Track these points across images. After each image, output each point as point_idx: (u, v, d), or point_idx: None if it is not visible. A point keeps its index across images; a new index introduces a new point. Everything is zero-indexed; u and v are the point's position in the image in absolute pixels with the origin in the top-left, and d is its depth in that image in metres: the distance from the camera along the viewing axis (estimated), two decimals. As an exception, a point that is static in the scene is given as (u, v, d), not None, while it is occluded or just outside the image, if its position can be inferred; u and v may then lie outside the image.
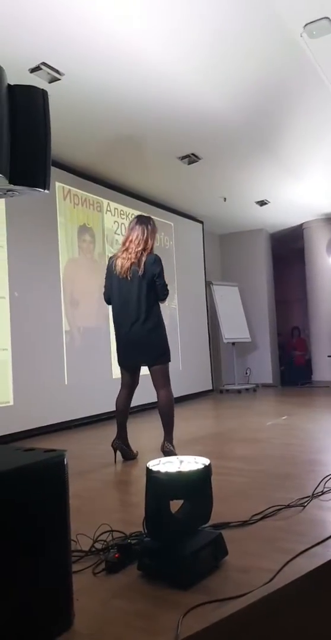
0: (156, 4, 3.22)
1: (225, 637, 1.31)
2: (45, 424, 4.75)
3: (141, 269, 3.33)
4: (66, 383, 5.17)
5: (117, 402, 3.53)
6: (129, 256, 3.38)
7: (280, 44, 3.79)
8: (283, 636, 1.43)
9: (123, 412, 3.48)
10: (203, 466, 1.67)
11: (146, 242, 3.39)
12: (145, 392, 3.77)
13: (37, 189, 1.55)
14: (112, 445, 3.44)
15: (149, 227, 3.44)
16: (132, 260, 3.36)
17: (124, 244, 3.48)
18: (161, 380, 3.38)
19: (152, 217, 6.92)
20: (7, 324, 4.56)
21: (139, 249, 3.37)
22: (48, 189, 1.57)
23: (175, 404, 3.49)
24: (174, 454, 3.25)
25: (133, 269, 3.35)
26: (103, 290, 3.63)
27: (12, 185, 1.50)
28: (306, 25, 3.58)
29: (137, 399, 3.74)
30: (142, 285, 3.33)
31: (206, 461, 1.70)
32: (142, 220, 3.49)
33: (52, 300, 5.14)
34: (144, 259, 3.35)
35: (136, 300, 3.35)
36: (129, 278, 3.36)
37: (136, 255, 3.36)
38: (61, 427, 4.91)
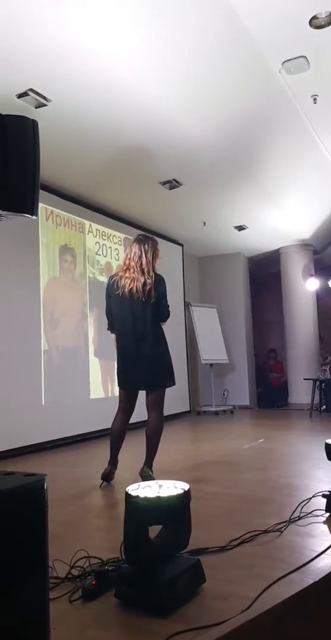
0: (140, 36, 3.33)
1: (203, 666, 1.31)
2: (21, 445, 4.67)
3: (146, 289, 3.27)
4: (43, 403, 5.11)
5: (113, 425, 3.44)
6: (133, 276, 3.30)
7: (260, 79, 3.95)
8: (260, 664, 1.44)
9: (119, 437, 3.40)
10: (182, 491, 1.68)
11: (148, 261, 3.33)
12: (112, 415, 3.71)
13: (25, 214, 1.58)
14: (102, 476, 3.32)
15: (148, 246, 3.37)
16: (137, 279, 3.29)
17: (124, 263, 3.43)
18: (157, 404, 3.37)
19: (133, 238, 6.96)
20: (-16, 342, 4.51)
21: (143, 268, 3.30)
22: (36, 215, 1.60)
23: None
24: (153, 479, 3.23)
25: (138, 288, 3.28)
26: (106, 315, 3.55)
27: (0, 210, 1.52)
28: (284, 62, 3.76)
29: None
30: (147, 305, 3.29)
31: (186, 486, 1.71)
32: (140, 240, 3.43)
33: (32, 319, 5.11)
34: (148, 279, 3.29)
35: (142, 320, 3.30)
36: (135, 298, 3.29)
37: (141, 274, 3.30)
38: (36, 449, 4.83)
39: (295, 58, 3.69)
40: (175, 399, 7.62)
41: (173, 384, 3.45)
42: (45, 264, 5.37)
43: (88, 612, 1.59)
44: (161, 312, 3.37)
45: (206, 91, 4.04)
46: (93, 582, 1.71)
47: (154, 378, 3.36)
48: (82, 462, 4.38)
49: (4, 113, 1.65)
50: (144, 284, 3.29)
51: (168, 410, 7.15)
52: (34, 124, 1.59)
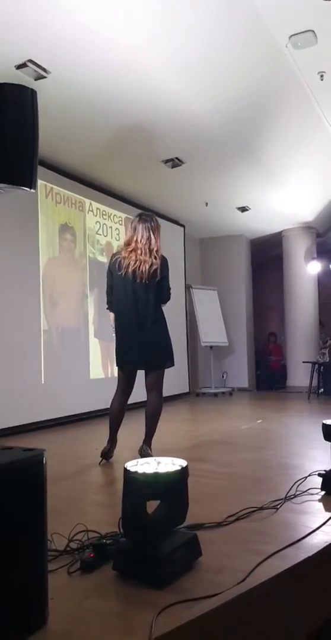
0: (144, 10, 3.25)
1: (198, 635, 1.33)
2: (21, 423, 4.71)
3: (151, 271, 3.26)
4: (43, 382, 5.13)
5: (111, 405, 3.46)
6: (141, 258, 3.26)
7: (265, 54, 3.88)
8: (255, 635, 1.47)
9: (118, 417, 3.42)
10: (179, 467, 1.69)
11: (156, 243, 3.31)
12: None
13: (23, 187, 1.56)
14: (102, 454, 3.35)
15: (154, 224, 3.35)
16: (143, 261, 3.26)
17: (129, 244, 3.36)
18: (156, 384, 3.39)
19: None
20: (-16, 320, 4.51)
21: (151, 249, 3.28)
22: (34, 189, 1.58)
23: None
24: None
25: (143, 270, 3.26)
26: (106, 293, 3.53)
27: (-2, 183, 1.50)
28: (291, 36, 3.67)
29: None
30: (150, 286, 3.29)
31: (183, 463, 1.72)
32: (145, 219, 3.37)
33: (31, 299, 5.10)
34: (154, 260, 3.27)
35: (145, 302, 3.29)
36: (138, 279, 3.27)
37: (148, 256, 3.27)
38: (36, 427, 4.87)
39: (303, 32, 3.61)
40: (174, 380, 7.65)
41: (172, 364, 3.47)
42: (44, 242, 5.34)
43: (86, 583, 1.61)
44: (163, 294, 3.39)
45: (209, 67, 3.97)
46: (91, 555, 1.73)
47: (153, 358, 3.36)
48: (82, 440, 4.42)
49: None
50: (151, 265, 3.27)
51: (167, 391, 7.18)
52: (32, 93, 1.56)
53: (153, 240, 3.30)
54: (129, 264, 3.29)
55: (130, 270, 3.28)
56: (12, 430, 4.55)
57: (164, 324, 3.42)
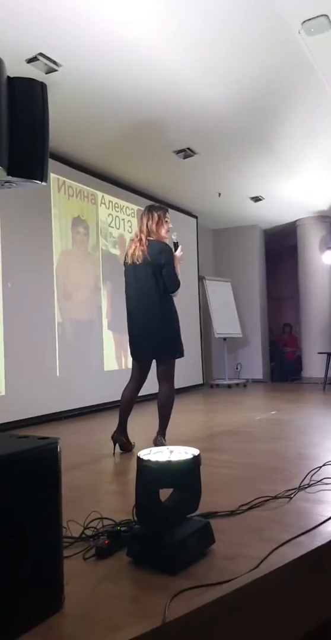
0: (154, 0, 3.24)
1: (210, 620, 1.35)
2: (37, 415, 4.78)
3: (147, 257, 3.29)
4: (58, 374, 5.19)
5: (123, 393, 3.50)
6: (136, 243, 3.37)
7: (277, 41, 3.81)
8: (267, 621, 1.48)
9: (128, 405, 3.46)
10: (192, 456, 1.71)
11: (149, 230, 3.36)
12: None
13: (34, 181, 1.57)
14: (112, 438, 3.43)
15: (152, 214, 3.39)
16: (142, 248, 3.32)
17: (136, 235, 3.46)
18: (166, 375, 3.39)
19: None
20: (0, 314, 4.57)
21: (145, 237, 3.34)
22: (46, 181, 1.59)
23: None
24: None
25: (138, 253, 3.31)
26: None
27: (9, 177, 1.52)
28: (304, 22, 3.60)
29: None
30: (149, 274, 3.29)
31: (196, 451, 1.74)
32: (146, 210, 3.46)
33: (45, 292, 5.15)
34: (148, 247, 3.31)
35: (146, 291, 3.31)
36: (137, 264, 3.33)
37: (141, 240, 3.34)
38: (52, 418, 4.94)
39: (316, 17, 3.53)
40: (188, 371, 7.67)
41: (181, 355, 3.44)
42: (57, 236, 5.37)
43: (101, 569, 1.64)
44: (165, 282, 3.31)
45: (220, 56, 3.93)
46: (106, 542, 1.76)
47: (161, 350, 3.38)
48: (96, 431, 4.46)
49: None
50: (144, 248, 3.33)
51: (180, 382, 7.23)
52: (42, 86, 1.57)
53: (144, 226, 3.37)
54: (133, 251, 3.38)
55: (129, 257, 3.39)
56: (28, 422, 4.62)
57: (170, 313, 3.36)
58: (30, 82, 1.56)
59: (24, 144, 1.52)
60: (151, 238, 3.35)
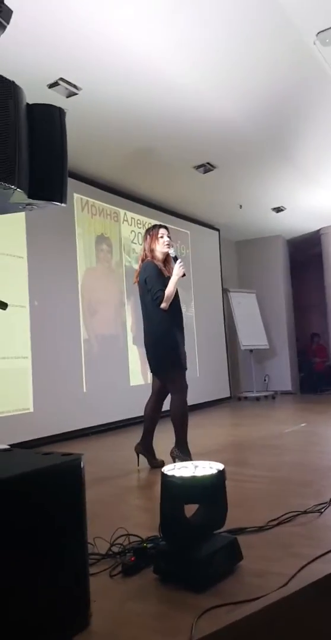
0: (169, 16, 3.29)
1: (238, 638, 1.32)
2: (64, 431, 4.82)
3: (140, 278, 3.44)
4: (85, 390, 5.24)
5: (145, 407, 3.55)
6: (138, 269, 3.54)
7: (293, 52, 3.82)
8: (297, 638, 1.44)
9: (150, 418, 3.49)
10: (217, 471, 1.69)
11: (144, 249, 3.50)
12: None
13: (54, 202, 1.61)
14: (135, 449, 3.48)
15: (146, 236, 3.51)
16: (137, 270, 3.52)
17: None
18: (169, 387, 3.40)
19: (168, 225, 6.98)
20: (27, 332, 4.66)
21: (142, 259, 3.50)
22: (65, 203, 1.63)
23: (191, 411, 3.48)
24: (182, 459, 3.25)
25: (139, 279, 3.47)
26: None
27: (30, 199, 1.56)
28: (319, 33, 3.61)
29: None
30: (144, 293, 3.41)
31: (220, 466, 1.72)
32: (146, 231, 3.60)
33: (71, 309, 5.23)
34: (140, 269, 3.46)
35: (143, 309, 3.46)
36: (139, 287, 3.50)
37: (140, 265, 3.52)
38: (79, 434, 4.98)
39: (330, 28, 3.55)
40: (215, 384, 7.63)
41: (178, 369, 3.34)
42: (82, 254, 5.47)
43: (128, 586, 1.64)
44: (150, 297, 3.35)
45: (237, 69, 3.96)
46: (132, 559, 1.76)
47: (152, 363, 3.44)
48: (123, 446, 4.46)
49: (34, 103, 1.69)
50: (139, 269, 3.48)
51: (207, 396, 7.25)
52: (60, 111, 1.62)
53: (143, 250, 3.52)
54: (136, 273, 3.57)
55: (135, 278, 3.57)
56: (55, 438, 4.67)
57: (159, 328, 3.34)
58: (48, 107, 1.61)
59: (43, 168, 1.57)
60: (149, 259, 3.43)
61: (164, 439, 3.56)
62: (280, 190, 6.67)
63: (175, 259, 3.39)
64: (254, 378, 8.22)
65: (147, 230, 3.57)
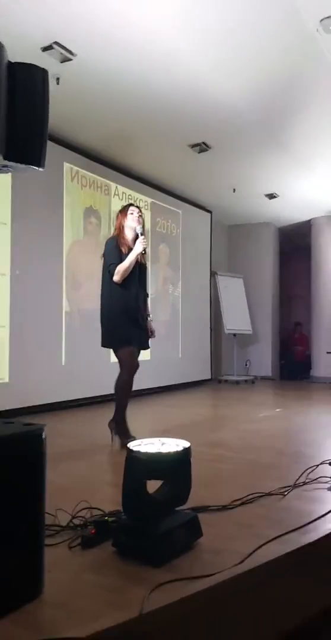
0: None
1: (189, 613, 1.35)
2: (40, 403, 4.81)
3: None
4: (63, 364, 5.21)
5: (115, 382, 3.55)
6: None
7: (295, 38, 3.76)
8: (247, 617, 1.47)
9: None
10: (182, 448, 1.70)
11: (116, 228, 3.48)
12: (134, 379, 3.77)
13: (32, 166, 1.57)
14: (108, 425, 3.47)
15: (120, 213, 3.50)
16: None
17: None
18: (118, 361, 3.40)
19: (160, 203, 6.87)
20: (6, 301, 4.60)
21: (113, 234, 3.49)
22: (43, 167, 1.58)
23: (171, 390, 3.49)
24: (112, 431, 3.34)
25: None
26: None
27: (6, 161, 1.51)
28: (322, 20, 3.56)
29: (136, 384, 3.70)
30: (104, 267, 3.40)
31: (187, 444, 1.73)
32: (118, 211, 3.58)
33: (54, 281, 5.17)
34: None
35: (102, 284, 3.43)
36: None
37: None
38: (56, 407, 4.97)
39: (334, 15, 3.48)
40: (196, 366, 7.66)
41: (113, 346, 3.40)
42: (69, 225, 5.39)
43: (86, 559, 1.65)
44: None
45: (236, 51, 3.88)
46: (92, 531, 1.76)
47: (102, 337, 3.43)
48: (99, 422, 4.47)
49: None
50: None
51: (188, 377, 7.29)
52: (43, 72, 1.56)
53: (116, 227, 3.50)
54: None
55: None
56: (31, 410, 4.65)
57: (104, 302, 3.38)
58: (31, 67, 1.55)
59: (22, 130, 1.52)
60: (113, 236, 3.43)
61: (139, 414, 3.56)
62: (273, 176, 6.63)
63: (140, 235, 3.36)
64: (235, 362, 8.28)
65: (120, 210, 3.57)
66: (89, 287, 5.58)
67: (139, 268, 3.40)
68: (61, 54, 3.84)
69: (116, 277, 3.28)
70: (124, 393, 3.38)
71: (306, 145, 5.66)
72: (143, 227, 3.44)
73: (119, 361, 3.38)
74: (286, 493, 2.25)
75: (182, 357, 7.22)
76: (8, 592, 1.29)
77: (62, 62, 3.94)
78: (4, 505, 1.29)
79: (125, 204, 3.67)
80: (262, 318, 8.83)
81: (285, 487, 2.31)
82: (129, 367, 3.34)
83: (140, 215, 3.45)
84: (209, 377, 8.07)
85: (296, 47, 3.87)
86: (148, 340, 3.49)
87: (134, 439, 3.35)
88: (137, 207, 3.53)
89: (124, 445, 3.22)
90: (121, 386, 3.38)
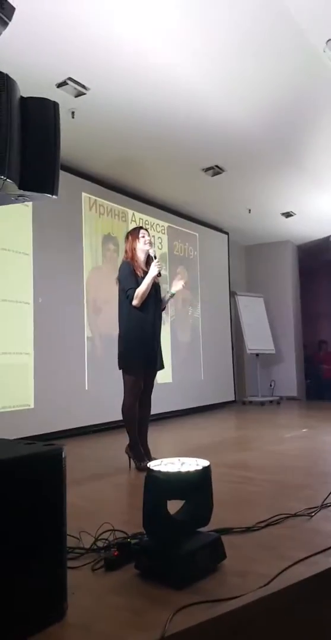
0: (180, 20, 3.30)
1: (214, 636, 1.31)
2: (64, 428, 4.83)
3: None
4: (86, 389, 5.25)
5: None
6: None
7: (303, 58, 3.82)
8: (273, 640, 1.42)
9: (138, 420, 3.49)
10: (202, 468, 1.68)
11: (126, 251, 3.54)
12: (158, 401, 3.78)
13: (45, 194, 1.62)
14: (125, 451, 3.48)
15: (127, 238, 3.56)
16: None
17: None
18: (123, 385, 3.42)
19: (176, 227, 6.94)
20: (30, 329, 4.69)
21: (124, 260, 3.53)
22: (56, 195, 1.64)
23: (195, 413, 3.47)
24: (129, 458, 3.37)
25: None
26: None
27: (22, 190, 1.57)
28: (328, 40, 3.61)
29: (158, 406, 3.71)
30: (120, 291, 3.46)
31: (206, 463, 1.71)
32: (127, 233, 3.65)
33: (75, 307, 5.25)
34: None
35: (118, 306, 3.49)
36: None
37: None
38: (79, 432, 4.99)
39: (339, 35, 3.53)
40: (220, 388, 7.59)
41: (124, 370, 3.41)
42: (88, 252, 5.49)
43: (108, 581, 1.63)
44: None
45: (246, 74, 3.95)
46: (115, 553, 1.75)
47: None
48: (121, 445, 4.47)
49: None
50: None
51: (211, 399, 7.23)
52: (54, 105, 1.63)
53: (125, 252, 3.55)
54: None
55: None
56: (56, 435, 4.68)
57: (120, 326, 3.44)
58: (42, 100, 1.62)
59: (35, 160, 1.58)
60: (128, 259, 3.47)
61: (161, 437, 3.54)
62: (289, 195, 6.64)
63: (153, 258, 3.41)
64: (259, 383, 8.17)
65: (129, 232, 3.63)
66: (108, 312, 5.64)
67: (154, 288, 3.45)
68: (75, 88, 3.99)
69: (135, 302, 3.33)
70: (129, 419, 3.40)
71: (320, 162, 5.67)
72: (150, 244, 3.53)
73: (124, 384, 3.42)
74: (313, 514, 2.19)
75: (204, 379, 7.18)
76: (31, 613, 1.29)
77: (76, 96, 4.08)
78: (26, 526, 1.30)
79: (132, 228, 3.75)
80: (285, 337, 8.74)
81: (312, 507, 2.25)
82: (133, 392, 3.38)
83: (149, 239, 3.53)
84: (233, 398, 7.98)
85: (304, 68, 3.93)
86: (162, 361, 3.53)
87: (147, 462, 3.35)
88: (146, 229, 3.59)
89: (138, 469, 3.21)
90: (125, 411, 3.41)
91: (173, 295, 3.59)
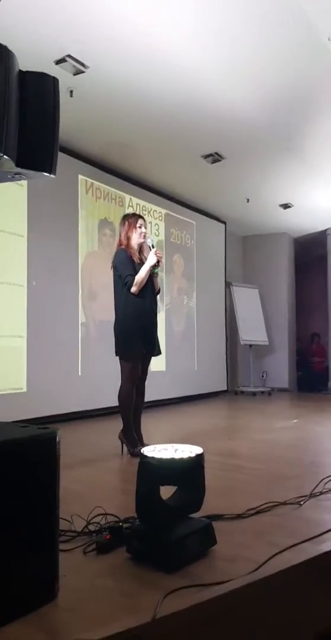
0: (182, 3, 3.25)
1: (203, 619, 1.32)
2: (57, 413, 4.83)
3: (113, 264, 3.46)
4: (80, 374, 5.24)
5: None
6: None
7: (307, 47, 3.78)
8: (261, 625, 1.44)
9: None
10: (195, 455, 1.68)
11: (121, 237, 3.50)
12: (151, 389, 3.78)
13: (43, 172, 1.59)
14: (118, 437, 3.48)
15: (124, 223, 3.51)
16: (113, 257, 3.53)
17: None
18: (121, 370, 3.41)
19: (174, 214, 6.92)
20: (23, 311, 4.66)
21: (118, 246, 3.50)
22: (54, 174, 1.61)
23: (188, 402, 3.48)
24: (122, 443, 3.38)
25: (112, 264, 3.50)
26: None
27: (18, 168, 1.54)
28: (332, 32, 3.57)
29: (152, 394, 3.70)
30: (116, 278, 3.43)
31: (199, 450, 1.71)
32: (121, 220, 3.60)
33: (70, 291, 5.22)
34: (114, 256, 3.49)
35: (114, 293, 3.46)
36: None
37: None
38: (72, 417, 4.98)
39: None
40: (212, 377, 7.62)
41: (121, 357, 3.41)
42: (84, 237, 5.45)
43: (100, 564, 1.64)
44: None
45: (250, 62, 3.91)
46: (107, 537, 1.75)
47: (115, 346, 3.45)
48: (114, 431, 4.48)
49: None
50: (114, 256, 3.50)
51: (203, 388, 7.25)
52: (54, 81, 1.59)
53: (120, 236, 3.53)
54: None
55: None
56: (48, 420, 4.66)
57: (120, 312, 3.41)
58: (41, 76, 1.58)
59: (33, 137, 1.55)
60: (123, 247, 3.43)
61: (155, 424, 3.55)
62: (288, 186, 6.62)
63: (152, 247, 3.39)
64: (252, 373, 8.21)
65: (126, 217, 3.57)
66: (104, 298, 5.61)
67: (151, 280, 3.43)
68: (74, 66, 3.91)
69: (134, 289, 3.32)
70: (126, 405, 3.40)
71: (321, 154, 5.64)
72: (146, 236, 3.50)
73: (122, 371, 3.41)
74: (302, 502, 2.21)
75: (198, 368, 7.19)
76: (23, 594, 1.29)
77: (75, 74, 4.01)
78: (19, 508, 1.29)
79: (128, 213, 3.70)
80: (278, 329, 8.76)
81: (301, 496, 2.27)
82: (131, 378, 3.37)
83: (146, 231, 3.51)
84: (225, 388, 8.01)
85: (308, 58, 3.89)
86: (159, 347, 3.53)
87: (141, 448, 3.36)
88: (144, 219, 3.56)
89: (131, 454, 3.22)
90: (122, 398, 3.41)
91: (153, 246, 3.44)
